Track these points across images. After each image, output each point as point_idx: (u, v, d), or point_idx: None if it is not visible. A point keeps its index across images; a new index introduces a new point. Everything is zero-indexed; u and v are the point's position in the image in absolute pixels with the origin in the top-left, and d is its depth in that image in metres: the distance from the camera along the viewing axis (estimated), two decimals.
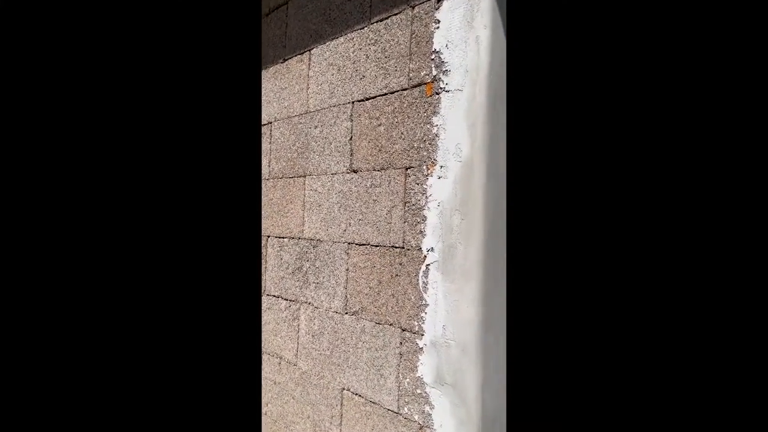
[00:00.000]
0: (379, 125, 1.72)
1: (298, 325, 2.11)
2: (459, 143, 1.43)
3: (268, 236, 2.34)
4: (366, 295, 1.75)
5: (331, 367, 1.90)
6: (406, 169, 1.61)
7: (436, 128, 1.51)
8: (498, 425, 1.41)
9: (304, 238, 2.09)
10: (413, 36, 1.60)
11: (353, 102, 1.85)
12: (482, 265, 1.38)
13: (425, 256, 1.52)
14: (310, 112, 2.08)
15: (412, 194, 1.58)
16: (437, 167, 1.49)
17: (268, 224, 2.35)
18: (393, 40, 1.68)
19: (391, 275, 1.64)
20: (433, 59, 1.53)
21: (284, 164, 2.25)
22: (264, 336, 2.35)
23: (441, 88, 1.49)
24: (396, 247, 1.63)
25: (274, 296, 2.28)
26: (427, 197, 1.53)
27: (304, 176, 2.11)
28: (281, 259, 2.24)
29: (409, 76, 1.61)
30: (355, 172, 1.83)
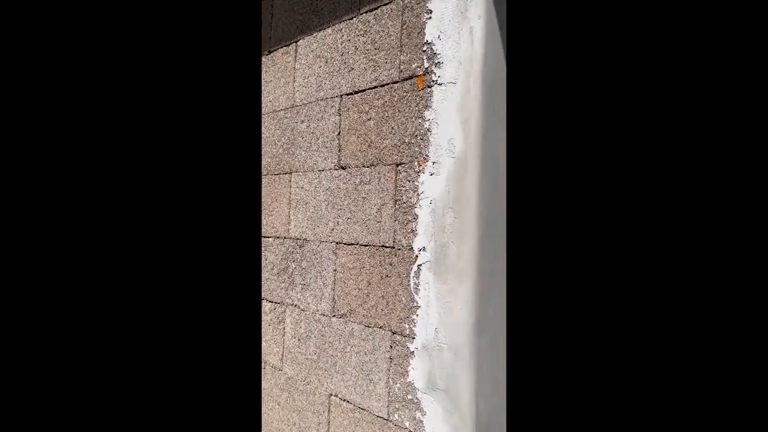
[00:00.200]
0: (369, 120, 1.70)
1: (284, 329, 2.08)
2: (452, 138, 1.42)
3: None
4: (355, 296, 1.73)
5: (318, 372, 1.88)
6: (397, 165, 1.59)
7: (428, 123, 1.49)
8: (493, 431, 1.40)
9: (290, 238, 2.06)
10: (404, 27, 1.58)
11: (341, 95, 1.83)
12: (476, 265, 1.37)
13: (417, 256, 1.51)
14: (297, 106, 2.06)
15: (402, 191, 1.57)
16: (429, 163, 1.48)
17: None
18: (383, 30, 1.66)
19: (381, 276, 1.63)
20: (424, 51, 1.51)
21: (269, 160, 2.22)
22: None
23: (433, 80, 1.48)
24: (386, 247, 1.62)
25: None
26: (418, 195, 1.51)
27: (290, 173, 2.08)
28: (266, 259, 2.21)
29: (399, 68, 1.59)
30: (343, 168, 1.81)
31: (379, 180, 1.65)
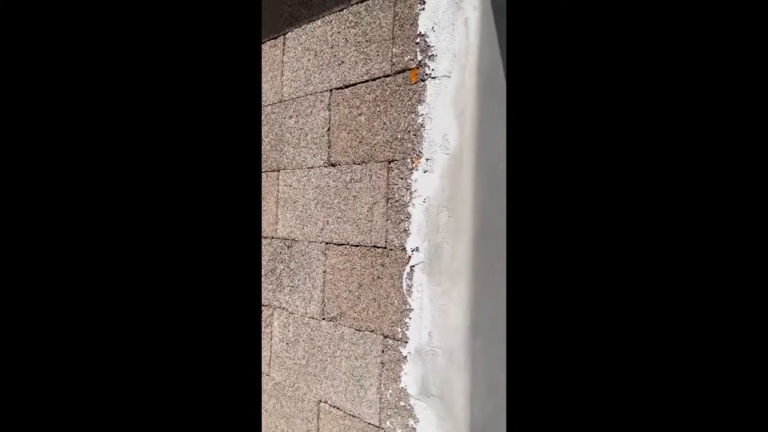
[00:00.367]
0: (360, 115, 1.68)
1: (271, 332, 2.06)
2: (446, 134, 1.40)
3: None
4: (345, 299, 1.71)
5: (307, 378, 1.86)
6: (389, 162, 1.57)
7: (421, 118, 1.47)
8: None
9: (278, 238, 2.04)
10: (396, 18, 1.56)
11: (331, 90, 1.81)
12: (471, 266, 1.35)
13: (410, 257, 1.49)
14: (285, 101, 2.03)
15: (395, 189, 1.55)
16: (423, 160, 1.46)
17: None
18: (374, 22, 1.64)
19: (373, 278, 1.61)
20: (418, 43, 1.49)
21: None
22: None
23: (427, 74, 1.46)
24: (378, 247, 1.60)
25: None
26: (411, 193, 1.49)
27: (278, 170, 2.06)
28: None
29: (392, 61, 1.57)
30: (333, 165, 1.79)
31: (371, 177, 1.63)
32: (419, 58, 1.48)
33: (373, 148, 1.63)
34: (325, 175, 1.82)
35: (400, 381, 1.51)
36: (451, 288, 1.38)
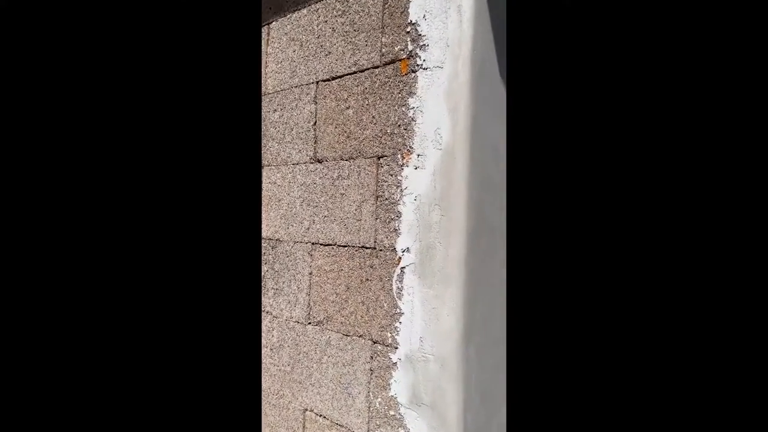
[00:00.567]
0: (347, 108, 1.65)
1: None
2: (438, 128, 1.38)
3: None
4: (332, 302, 1.69)
5: (292, 385, 1.84)
6: (378, 158, 1.55)
7: (412, 111, 1.45)
8: None
9: (262, 238, 2.02)
10: (386, 6, 1.54)
11: (317, 82, 1.78)
12: (465, 268, 1.33)
13: (400, 258, 1.47)
14: (268, 93, 2.00)
15: (384, 187, 1.52)
16: (414, 156, 1.44)
17: None
18: (363, 10, 1.61)
19: (361, 280, 1.59)
20: (408, 32, 1.46)
21: None
22: None
23: (418, 65, 1.43)
24: (366, 248, 1.58)
25: None
26: (402, 190, 1.47)
27: (262, 167, 2.03)
28: None
29: (381, 51, 1.54)
30: (319, 161, 1.76)
31: (359, 174, 1.60)
32: (410, 48, 1.45)
33: (362, 144, 1.60)
34: (311, 171, 1.79)
35: (389, 389, 1.49)
36: (443, 291, 1.36)
